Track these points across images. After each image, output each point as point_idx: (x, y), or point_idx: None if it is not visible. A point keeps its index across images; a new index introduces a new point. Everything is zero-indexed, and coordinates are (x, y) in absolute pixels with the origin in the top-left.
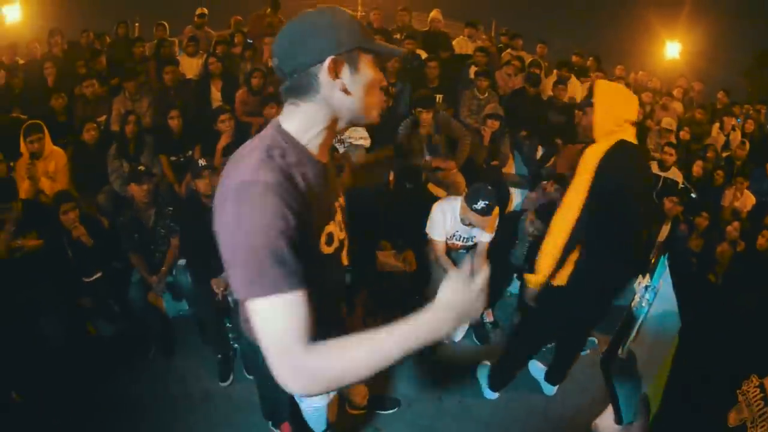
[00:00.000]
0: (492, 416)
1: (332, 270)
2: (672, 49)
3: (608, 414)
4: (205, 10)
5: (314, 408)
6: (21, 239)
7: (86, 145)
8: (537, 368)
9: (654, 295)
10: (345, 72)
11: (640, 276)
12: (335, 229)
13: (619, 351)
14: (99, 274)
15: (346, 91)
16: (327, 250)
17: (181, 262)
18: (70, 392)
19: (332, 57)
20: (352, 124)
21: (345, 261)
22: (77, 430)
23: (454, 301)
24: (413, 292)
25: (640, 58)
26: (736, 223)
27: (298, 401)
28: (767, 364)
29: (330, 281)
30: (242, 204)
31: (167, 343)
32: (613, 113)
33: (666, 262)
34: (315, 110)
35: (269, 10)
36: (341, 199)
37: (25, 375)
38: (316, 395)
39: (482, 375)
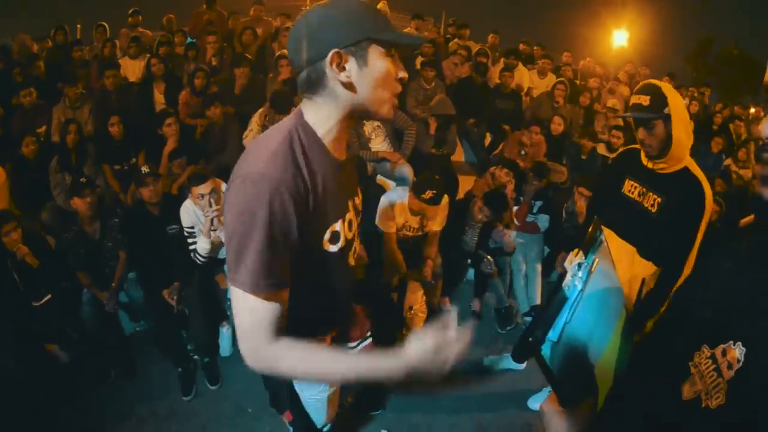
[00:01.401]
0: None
1: (336, 268)
2: (620, 37)
3: (553, 396)
4: (136, 8)
5: (315, 399)
6: None
7: (26, 160)
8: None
9: (588, 273)
10: (352, 65)
11: (572, 253)
12: (343, 227)
13: (551, 334)
14: (48, 297)
15: (350, 85)
16: (330, 248)
17: (132, 275)
18: (33, 421)
19: (335, 50)
20: (367, 118)
21: (351, 261)
22: None
23: (418, 366)
24: (366, 284)
25: (589, 46)
26: None
27: (299, 392)
28: (716, 334)
29: (335, 279)
30: (246, 194)
31: (127, 362)
32: (690, 127)
33: (603, 239)
34: (326, 104)
35: (205, 6)
36: (357, 199)
37: None
38: (269, 374)
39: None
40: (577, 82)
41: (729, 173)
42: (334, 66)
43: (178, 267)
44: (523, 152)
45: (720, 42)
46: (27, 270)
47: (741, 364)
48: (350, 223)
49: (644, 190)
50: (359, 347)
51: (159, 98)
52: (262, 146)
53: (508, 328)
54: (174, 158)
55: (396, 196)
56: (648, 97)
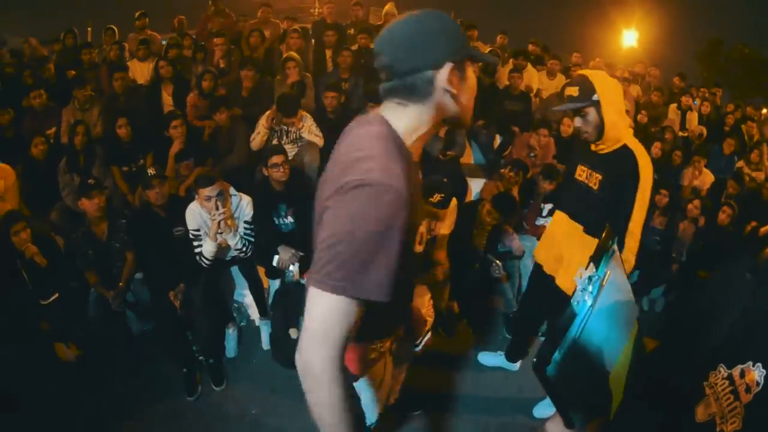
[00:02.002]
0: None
1: (415, 267)
2: (629, 38)
3: (557, 418)
4: (143, 11)
5: (371, 399)
6: None
7: (35, 161)
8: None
9: (598, 287)
10: (458, 78)
11: (582, 267)
12: (424, 228)
13: (556, 353)
14: (56, 295)
15: (455, 97)
16: (419, 249)
17: (140, 275)
18: (34, 418)
19: (452, 64)
20: (451, 126)
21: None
22: None
23: None
24: None
25: (599, 46)
26: (696, 201)
27: (359, 391)
28: (734, 353)
29: (412, 278)
30: (378, 204)
31: (133, 361)
32: (621, 108)
33: (616, 248)
34: (424, 112)
35: (210, 6)
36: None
37: None
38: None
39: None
40: None
41: (741, 175)
42: (448, 78)
43: (184, 268)
44: (532, 155)
45: (731, 42)
46: (36, 269)
47: (760, 387)
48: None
49: (590, 172)
50: (421, 344)
51: (167, 100)
52: (371, 151)
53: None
54: (181, 160)
55: None
56: (577, 88)
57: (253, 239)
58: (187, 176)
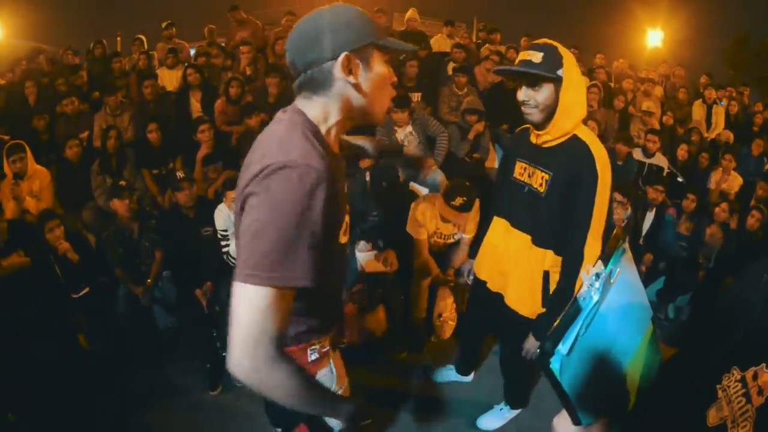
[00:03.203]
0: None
1: (344, 260)
2: (654, 38)
3: (565, 414)
4: (170, 21)
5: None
6: (4, 259)
7: (69, 163)
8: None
9: (603, 285)
10: (358, 68)
11: (589, 264)
12: (348, 219)
13: (561, 347)
14: (86, 290)
15: (357, 87)
16: (343, 240)
17: (167, 273)
18: (62, 408)
19: (346, 53)
20: (362, 121)
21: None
22: None
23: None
24: (396, 291)
25: (622, 47)
26: (724, 205)
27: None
28: (749, 355)
29: (341, 271)
30: (294, 185)
31: (157, 355)
32: (581, 97)
33: (627, 248)
34: (328, 104)
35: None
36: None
37: (17, 394)
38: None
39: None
40: (611, 84)
41: None
42: (344, 68)
43: (211, 267)
44: None
45: (758, 38)
46: (68, 264)
47: None
48: (349, 215)
49: (532, 169)
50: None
51: (195, 106)
52: (285, 138)
53: None
54: (208, 163)
55: (427, 202)
56: (541, 54)
57: None
58: (215, 179)
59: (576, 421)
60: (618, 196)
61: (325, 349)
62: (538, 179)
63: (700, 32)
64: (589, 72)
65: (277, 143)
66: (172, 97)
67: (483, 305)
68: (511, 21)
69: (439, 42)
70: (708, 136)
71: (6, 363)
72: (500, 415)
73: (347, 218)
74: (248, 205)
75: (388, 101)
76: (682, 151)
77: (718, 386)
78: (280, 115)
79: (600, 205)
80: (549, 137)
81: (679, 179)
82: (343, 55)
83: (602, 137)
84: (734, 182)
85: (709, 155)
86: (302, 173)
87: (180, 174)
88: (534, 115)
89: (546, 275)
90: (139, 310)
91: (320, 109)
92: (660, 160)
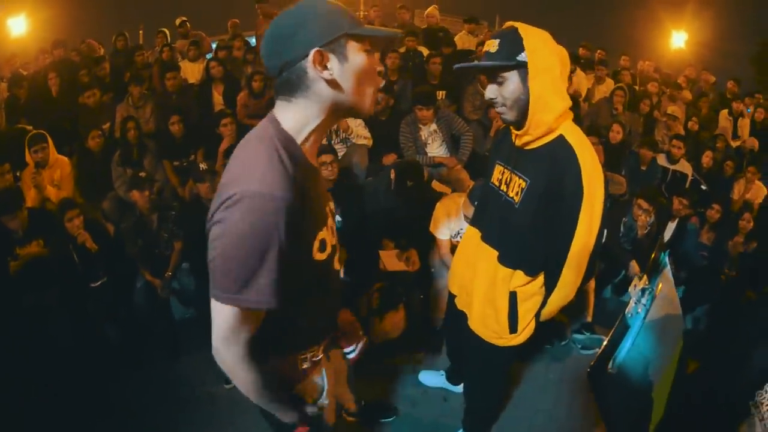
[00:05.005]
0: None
1: (326, 276)
2: (678, 39)
3: (602, 427)
4: (185, 18)
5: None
6: (22, 248)
7: (91, 153)
8: (433, 378)
9: (651, 300)
10: (333, 63)
11: (636, 278)
12: (328, 235)
13: (609, 365)
14: (104, 279)
15: (334, 83)
16: (320, 256)
17: (186, 265)
18: (77, 395)
19: (316, 49)
20: (348, 116)
21: (337, 266)
22: None
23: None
24: (417, 291)
25: (646, 48)
26: (747, 215)
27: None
28: None
29: (324, 287)
30: (253, 214)
31: (174, 346)
32: (558, 82)
33: (668, 261)
34: (308, 105)
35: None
36: (331, 204)
37: (33, 378)
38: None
39: None
40: (636, 87)
41: None
42: (316, 65)
43: None
44: None
45: None
46: (86, 254)
47: None
48: (332, 229)
49: (510, 174)
50: (351, 354)
51: (218, 99)
52: (251, 160)
53: (561, 343)
54: (229, 156)
55: (451, 202)
56: (497, 41)
57: None
58: None
59: None
60: (643, 203)
61: (317, 359)
62: (514, 187)
63: (725, 35)
64: (614, 74)
65: (241, 167)
66: (194, 89)
67: (454, 321)
68: (533, 21)
69: (463, 39)
70: (733, 143)
71: (23, 347)
72: None
73: (327, 232)
74: (212, 233)
75: (374, 92)
76: (707, 158)
77: (750, 403)
78: (257, 127)
79: (585, 229)
80: (529, 137)
81: (703, 187)
82: (313, 50)
83: (627, 141)
84: (759, 192)
85: (734, 163)
86: (263, 204)
87: (203, 166)
88: (506, 113)
89: (513, 297)
90: (157, 301)
91: (300, 113)
92: (684, 166)
